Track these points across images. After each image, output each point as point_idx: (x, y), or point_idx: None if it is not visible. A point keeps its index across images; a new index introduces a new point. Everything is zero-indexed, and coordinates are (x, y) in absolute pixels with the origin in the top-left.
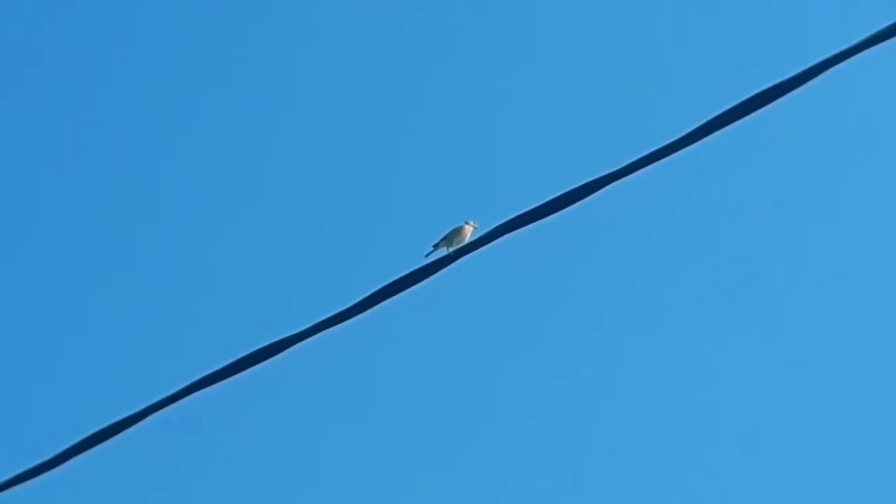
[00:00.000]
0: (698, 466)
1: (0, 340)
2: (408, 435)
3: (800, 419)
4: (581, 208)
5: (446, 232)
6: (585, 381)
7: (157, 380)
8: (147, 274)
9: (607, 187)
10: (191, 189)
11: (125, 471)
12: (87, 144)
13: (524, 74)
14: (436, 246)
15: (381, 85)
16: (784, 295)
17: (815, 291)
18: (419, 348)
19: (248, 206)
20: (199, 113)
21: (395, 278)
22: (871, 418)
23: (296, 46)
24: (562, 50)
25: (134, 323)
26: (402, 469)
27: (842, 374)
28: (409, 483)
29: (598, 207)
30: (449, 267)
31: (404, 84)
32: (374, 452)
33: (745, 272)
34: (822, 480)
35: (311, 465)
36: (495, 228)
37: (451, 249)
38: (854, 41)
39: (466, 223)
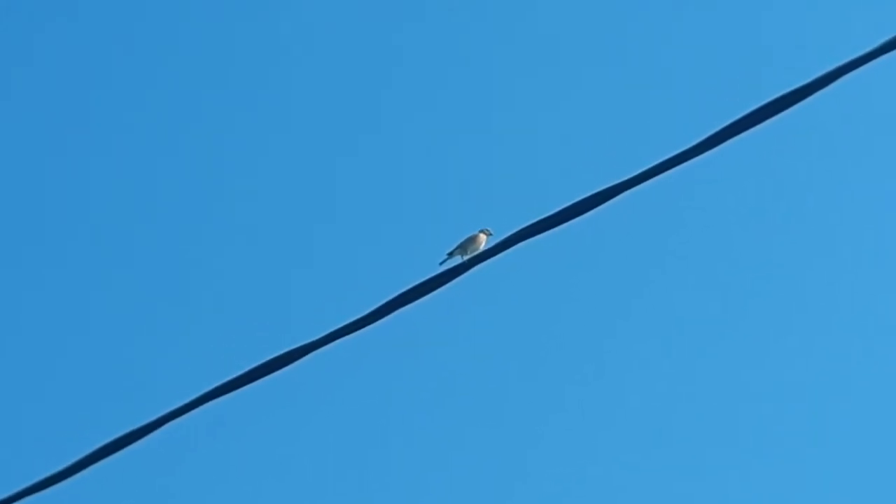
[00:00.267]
0: (711, 471)
1: (16, 354)
2: (422, 442)
3: (815, 424)
4: (595, 216)
5: (461, 240)
6: (598, 387)
7: (172, 388)
8: (164, 285)
9: (621, 195)
10: (207, 198)
11: (140, 480)
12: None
13: (540, 86)
14: (451, 254)
15: (398, 95)
16: (796, 301)
17: (828, 297)
18: (434, 356)
19: (266, 215)
20: (218, 121)
21: (409, 286)
22: (892, 427)
23: (311, 52)
24: (579, 60)
25: (150, 333)
26: (417, 475)
27: (857, 378)
28: (424, 489)
29: (612, 215)
30: (464, 275)
31: (422, 95)
32: (389, 459)
33: (757, 279)
34: (845, 487)
35: (325, 472)
36: (510, 236)
37: (466, 257)
38: (871, 46)
39: (481, 231)
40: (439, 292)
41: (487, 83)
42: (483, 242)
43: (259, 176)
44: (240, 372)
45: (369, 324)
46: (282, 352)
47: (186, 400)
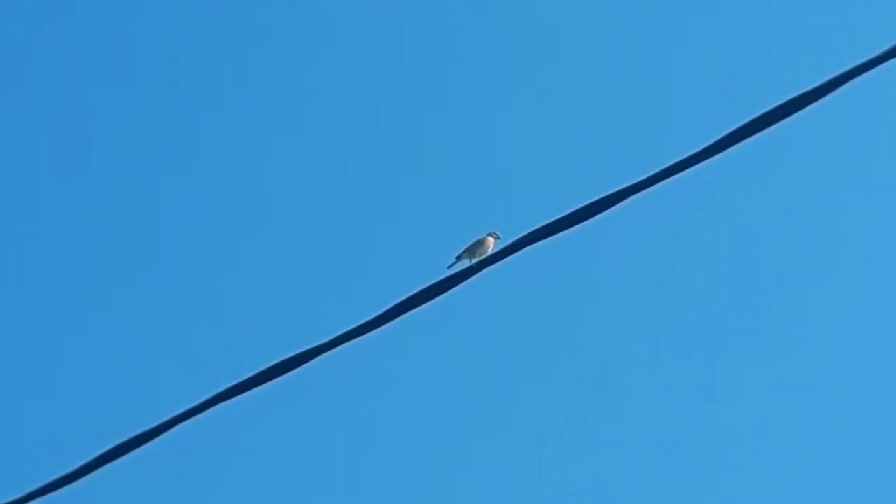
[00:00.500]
0: (724, 474)
1: (26, 356)
2: (431, 444)
3: (824, 428)
4: (603, 220)
5: (469, 243)
6: (607, 390)
7: (180, 392)
8: (174, 287)
9: (630, 199)
10: (213, 201)
11: (149, 482)
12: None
13: (549, 88)
14: (458, 257)
15: (407, 98)
16: (806, 306)
17: (838, 302)
18: (441, 360)
19: (272, 218)
20: (221, 124)
21: (417, 290)
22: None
23: (320, 54)
24: (589, 62)
25: (159, 335)
26: (427, 477)
27: (868, 383)
28: (434, 491)
29: (621, 219)
30: (472, 279)
31: (430, 98)
32: (398, 461)
33: (768, 283)
34: (850, 494)
35: (335, 475)
36: (518, 240)
37: (474, 261)
38: (883, 48)
39: (489, 235)
40: (447, 296)
41: (496, 86)
42: (491, 246)
43: (268, 179)
44: (249, 375)
45: (378, 327)
46: (291, 355)
47: (196, 402)
